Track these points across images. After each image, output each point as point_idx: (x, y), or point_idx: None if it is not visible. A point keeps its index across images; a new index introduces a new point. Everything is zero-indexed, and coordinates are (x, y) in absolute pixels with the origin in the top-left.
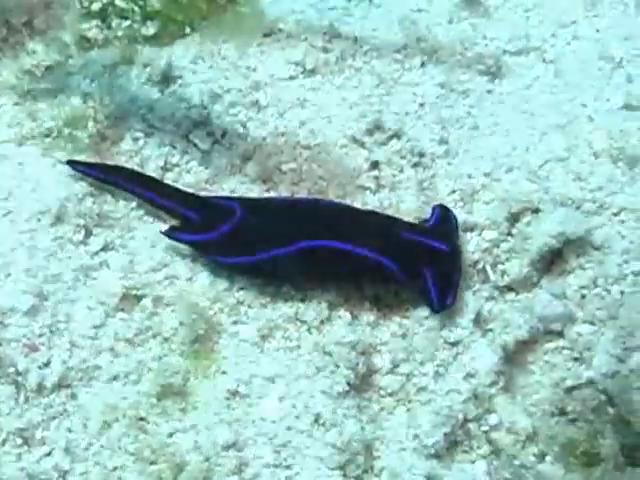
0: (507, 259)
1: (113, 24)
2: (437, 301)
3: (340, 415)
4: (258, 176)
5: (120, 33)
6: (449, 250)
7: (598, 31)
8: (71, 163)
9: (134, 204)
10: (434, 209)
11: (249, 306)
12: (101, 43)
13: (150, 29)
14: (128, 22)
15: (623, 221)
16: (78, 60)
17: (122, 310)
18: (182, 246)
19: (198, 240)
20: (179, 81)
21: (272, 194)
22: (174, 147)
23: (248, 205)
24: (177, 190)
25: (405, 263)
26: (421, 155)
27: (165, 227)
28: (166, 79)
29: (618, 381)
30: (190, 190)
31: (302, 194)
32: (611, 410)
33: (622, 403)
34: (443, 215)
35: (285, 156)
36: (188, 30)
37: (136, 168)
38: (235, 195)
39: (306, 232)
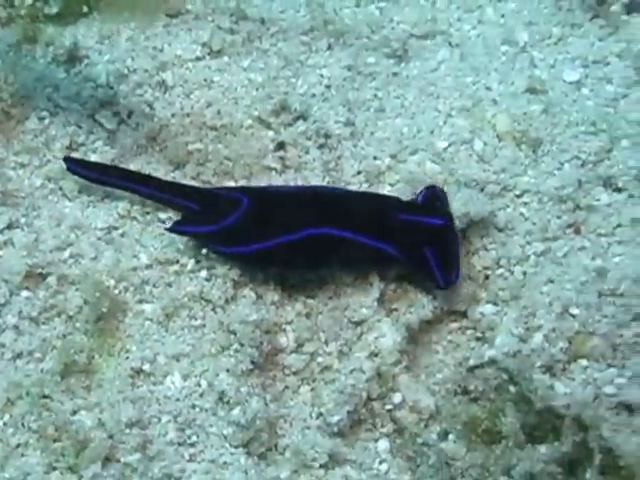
0: None
1: (16, 2)
2: (442, 279)
3: (244, 393)
4: (164, 156)
5: (23, 12)
6: (445, 225)
7: (503, 16)
8: (67, 161)
9: (39, 183)
10: (423, 190)
11: (154, 285)
12: (4, 21)
13: (53, 8)
14: (31, 1)
15: (526, 203)
16: None
17: (26, 288)
18: (86, 224)
19: (205, 231)
20: (85, 61)
21: (177, 173)
22: (80, 127)
23: (254, 195)
24: (177, 184)
25: (405, 245)
26: (327, 136)
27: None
28: (72, 59)
29: (519, 360)
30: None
31: (208, 174)
32: (512, 389)
33: (523, 382)
34: (433, 193)
35: (191, 136)
36: (89, 9)
37: (41, 147)
38: (239, 186)
39: (310, 220)
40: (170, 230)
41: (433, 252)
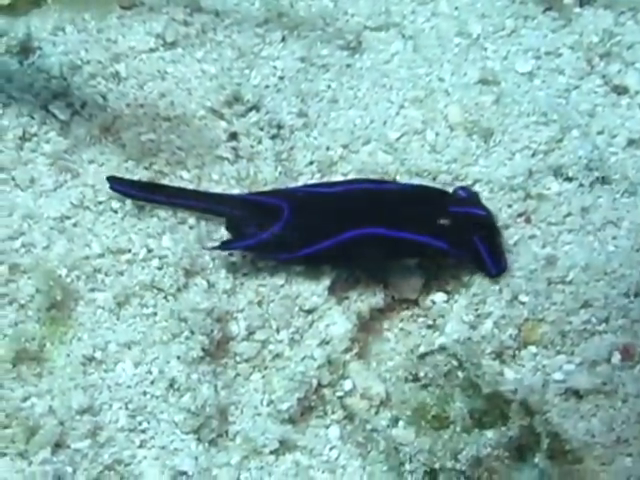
0: None
1: None
2: (495, 268)
3: (195, 380)
4: (117, 147)
5: None
6: (489, 216)
7: (457, 9)
8: (111, 180)
9: None
10: (457, 189)
11: (106, 274)
12: None
13: None
14: None
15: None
16: None
17: None
18: (38, 213)
19: (253, 244)
20: (38, 52)
21: (130, 163)
22: (33, 117)
23: (295, 200)
24: (218, 194)
25: (454, 238)
26: (280, 127)
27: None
28: (25, 50)
29: (469, 347)
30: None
31: (161, 164)
32: (461, 375)
33: (471, 368)
34: (469, 191)
35: (145, 127)
36: (43, 0)
37: None
38: (279, 189)
39: (354, 221)
40: (219, 249)
41: (482, 242)
